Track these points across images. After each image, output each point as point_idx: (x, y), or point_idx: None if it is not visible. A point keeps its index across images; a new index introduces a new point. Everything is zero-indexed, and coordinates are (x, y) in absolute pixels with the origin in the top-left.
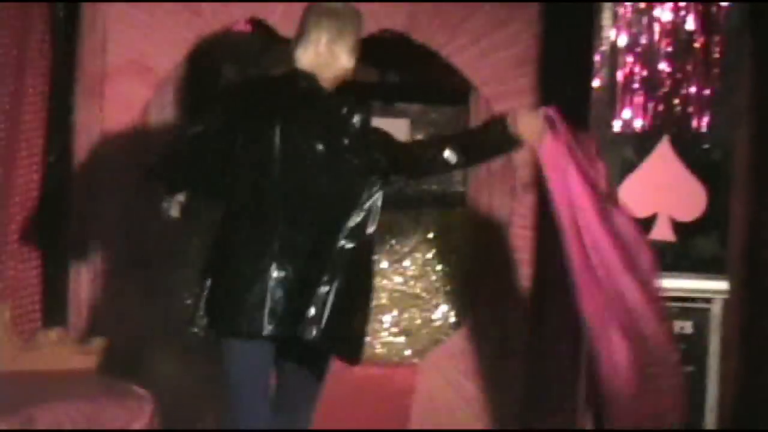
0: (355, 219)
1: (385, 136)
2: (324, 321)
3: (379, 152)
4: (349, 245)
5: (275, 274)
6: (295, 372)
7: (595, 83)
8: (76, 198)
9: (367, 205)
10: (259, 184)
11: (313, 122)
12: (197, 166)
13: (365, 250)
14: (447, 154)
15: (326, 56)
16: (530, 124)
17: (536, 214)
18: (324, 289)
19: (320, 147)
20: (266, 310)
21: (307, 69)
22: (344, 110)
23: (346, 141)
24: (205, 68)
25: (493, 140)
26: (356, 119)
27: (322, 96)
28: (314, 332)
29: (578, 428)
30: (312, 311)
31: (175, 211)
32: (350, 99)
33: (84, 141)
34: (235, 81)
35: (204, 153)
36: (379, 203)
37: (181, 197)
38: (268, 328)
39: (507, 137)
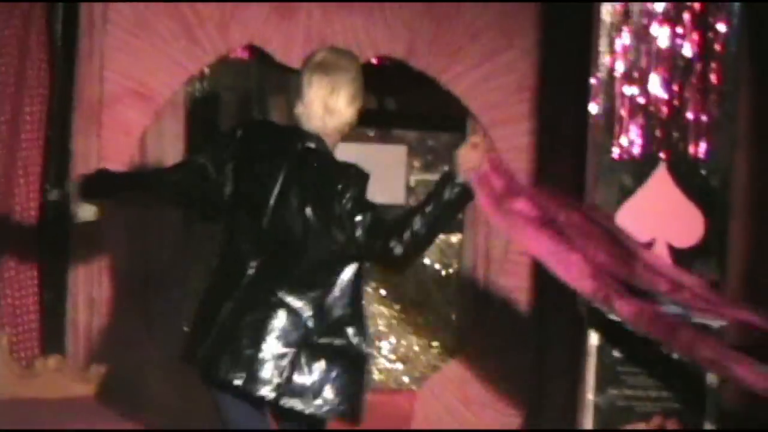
0: (320, 294)
1: (376, 218)
2: (278, 378)
3: (364, 234)
4: (307, 313)
5: (231, 318)
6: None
7: (593, 110)
8: (74, 225)
9: (338, 280)
10: (245, 229)
11: (310, 185)
12: (189, 192)
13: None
14: (394, 245)
15: (323, 115)
16: (466, 154)
17: None
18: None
19: (309, 212)
20: (215, 355)
21: (310, 128)
22: (341, 184)
23: (336, 212)
24: (204, 96)
25: (444, 195)
26: (349, 194)
27: (323, 160)
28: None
29: None
30: (264, 368)
31: (86, 213)
32: (350, 171)
33: (82, 168)
34: (247, 122)
35: (200, 181)
36: (351, 278)
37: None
38: (225, 375)
39: (454, 184)
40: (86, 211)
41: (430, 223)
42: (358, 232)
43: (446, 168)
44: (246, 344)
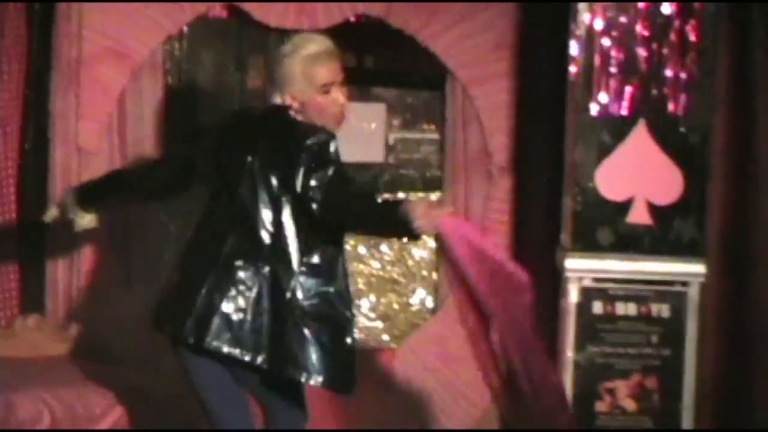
0: (300, 261)
1: (332, 180)
2: (267, 347)
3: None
4: (289, 282)
5: (214, 290)
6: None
7: (572, 68)
8: (53, 184)
9: (316, 247)
10: (222, 206)
11: (278, 152)
12: (177, 185)
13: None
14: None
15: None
16: (424, 213)
17: (514, 199)
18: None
19: (275, 181)
20: (196, 319)
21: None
22: (308, 141)
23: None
24: (183, 55)
25: (392, 221)
26: (313, 151)
27: (294, 129)
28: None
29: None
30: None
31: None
32: (321, 135)
33: (60, 128)
34: (227, 115)
35: (188, 174)
36: (330, 243)
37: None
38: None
39: (403, 223)
40: (84, 220)
41: (362, 220)
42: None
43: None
44: (232, 314)
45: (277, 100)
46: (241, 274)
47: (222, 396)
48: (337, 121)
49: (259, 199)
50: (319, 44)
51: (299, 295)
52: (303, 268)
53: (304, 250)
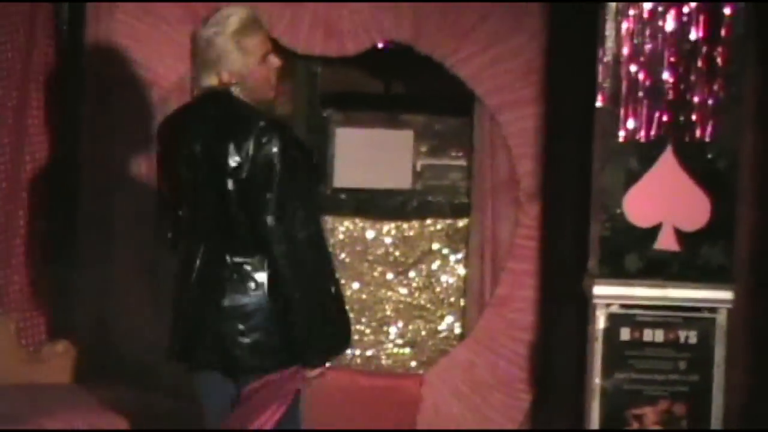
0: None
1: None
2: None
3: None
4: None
5: (193, 308)
6: None
7: (599, 93)
8: (83, 210)
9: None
10: (187, 222)
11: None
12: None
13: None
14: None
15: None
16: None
17: (541, 225)
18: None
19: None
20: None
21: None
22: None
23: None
24: None
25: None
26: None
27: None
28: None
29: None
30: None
31: None
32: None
33: (90, 153)
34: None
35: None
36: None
37: None
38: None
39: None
40: None
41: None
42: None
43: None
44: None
45: (208, 82)
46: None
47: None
48: (274, 88)
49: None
50: (243, 15)
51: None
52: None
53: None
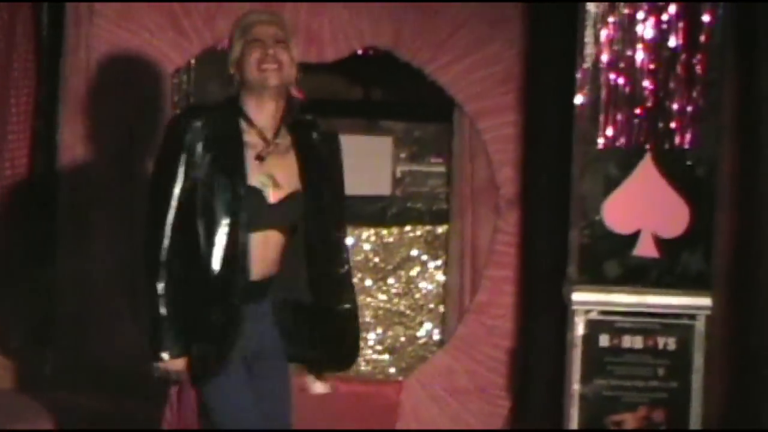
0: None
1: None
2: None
3: None
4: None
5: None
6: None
7: (578, 100)
8: (61, 218)
9: None
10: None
11: None
12: None
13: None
14: None
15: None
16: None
17: (521, 231)
18: None
19: None
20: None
21: None
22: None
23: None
24: (191, 88)
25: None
26: None
27: None
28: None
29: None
30: None
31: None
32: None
33: (69, 160)
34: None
35: None
36: None
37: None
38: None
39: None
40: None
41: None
42: None
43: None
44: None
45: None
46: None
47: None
48: (265, 76)
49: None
50: (255, 12)
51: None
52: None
53: None
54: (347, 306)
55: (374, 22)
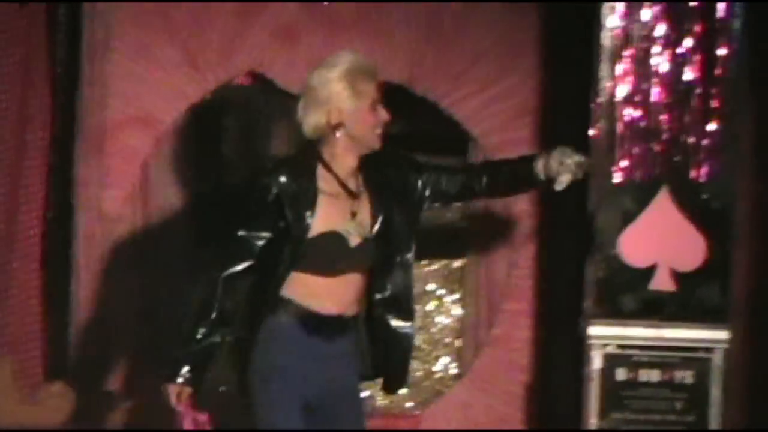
0: None
1: None
2: None
3: None
4: None
5: None
6: None
7: (593, 133)
8: (77, 251)
9: None
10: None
11: None
12: None
13: None
14: None
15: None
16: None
17: (537, 264)
18: None
19: None
20: None
21: None
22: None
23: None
24: (206, 123)
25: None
26: None
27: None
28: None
29: None
30: None
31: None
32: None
33: (85, 195)
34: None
35: None
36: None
37: None
38: None
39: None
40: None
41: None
42: None
43: None
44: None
45: (315, 121)
46: None
47: None
48: (379, 139)
49: None
50: (359, 58)
51: None
52: None
53: None
54: (407, 331)
55: (390, 55)
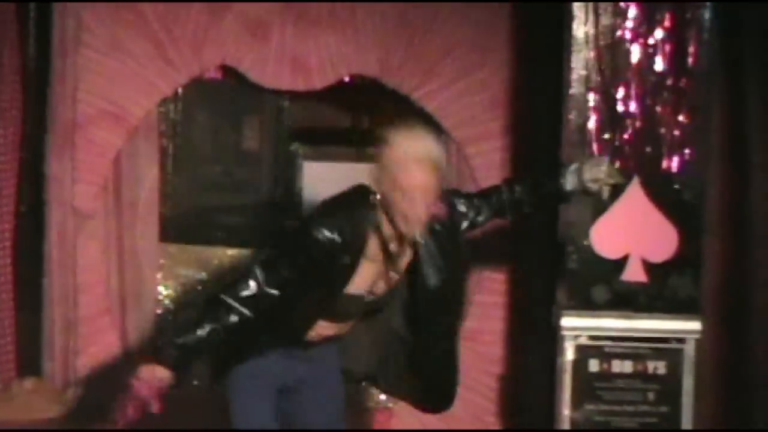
0: None
1: None
2: None
3: None
4: None
5: None
6: None
7: (565, 125)
8: (49, 246)
9: None
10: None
11: None
12: None
13: None
14: None
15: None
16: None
17: (509, 257)
18: None
19: None
20: None
21: None
22: None
23: None
24: (178, 117)
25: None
26: None
27: None
28: None
29: None
30: None
31: None
32: None
33: (56, 190)
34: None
35: None
36: None
37: None
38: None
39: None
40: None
41: None
42: None
43: None
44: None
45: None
46: None
47: None
48: (415, 224)
49: None
50: (420, 147)
51: None
52: None
53: None
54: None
55: (361, 48)
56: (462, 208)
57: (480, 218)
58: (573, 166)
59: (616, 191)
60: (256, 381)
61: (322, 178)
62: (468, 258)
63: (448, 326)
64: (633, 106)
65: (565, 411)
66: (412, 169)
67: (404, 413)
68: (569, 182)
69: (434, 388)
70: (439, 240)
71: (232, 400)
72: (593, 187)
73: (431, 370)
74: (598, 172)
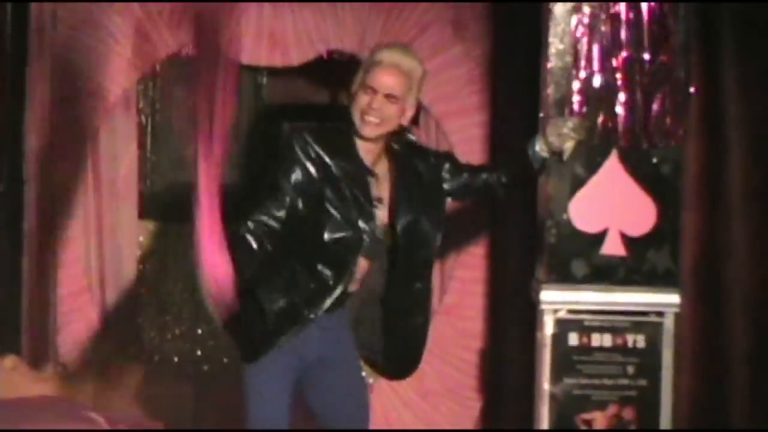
0: None
1: None
2: None
3: None
4: None
5: None
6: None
7: (543, 100)
8: (29, 225)
9: None
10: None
11: None
12: None
13: None
14: None
15: None
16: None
17: (489, 232)
18: None
19: None
20: None
21: None
22: None
23: None
24: (156, 94)
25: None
26: None
27: None
28: None
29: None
30: None
31: None
32: None
33: (34, 168)
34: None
35: None
36: None
37: None
38: None
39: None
40: None
41: None
42: None
43: None
44: None
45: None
46: None
47: None
48: (365, 127)
49: None
50: (392, 53)
51: None
52: None
53: None
54: (419, 320)
55: (338, 24)
56: (447, 166)
57: (463, 186)
58: (538, 134)
59: (592, 165)
60: (273, 357)
61: None
62: (445, 223)
63: (420, 270)
64: (611, 81)
65: (545, 385)
66: (378, 71)
67: (385, 389)
68: (537, 144)
69: (399, 353)
70: (417, 178)
71: (247, 376)
72: (554, 143)
73: (400, 332)
74: (561, 127)
